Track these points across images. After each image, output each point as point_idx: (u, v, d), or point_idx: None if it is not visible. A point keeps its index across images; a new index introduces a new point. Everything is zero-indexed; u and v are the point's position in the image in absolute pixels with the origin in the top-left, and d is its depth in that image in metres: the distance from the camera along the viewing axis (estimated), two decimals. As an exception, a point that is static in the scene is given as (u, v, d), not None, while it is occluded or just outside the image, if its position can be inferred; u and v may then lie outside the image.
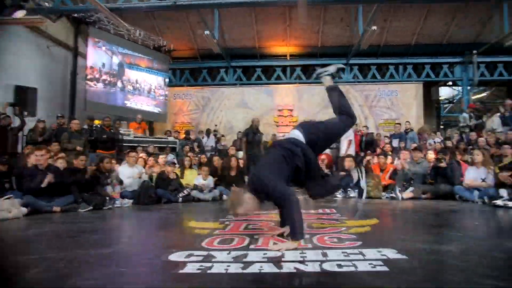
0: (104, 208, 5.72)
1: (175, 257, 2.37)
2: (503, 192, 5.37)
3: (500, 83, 16.57)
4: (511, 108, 10.23)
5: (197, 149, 10.62)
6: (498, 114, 10.59)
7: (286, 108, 14.01)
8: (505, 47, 11.85)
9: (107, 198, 5.98)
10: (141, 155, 8.12)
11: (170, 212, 5.59)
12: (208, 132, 12.16)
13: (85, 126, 9.16)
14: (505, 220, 4.32)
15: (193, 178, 7.59)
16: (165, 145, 10.29)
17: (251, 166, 8.73)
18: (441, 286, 1.80)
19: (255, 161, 8.83)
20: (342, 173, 7.66)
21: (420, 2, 11.75)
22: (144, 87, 12.92)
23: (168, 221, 4.76)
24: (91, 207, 5.49)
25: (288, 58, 15.07)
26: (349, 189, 7.27)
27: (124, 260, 2.48)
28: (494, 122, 10.48)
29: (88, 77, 11.01)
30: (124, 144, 9.57)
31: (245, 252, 2.47)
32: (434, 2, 11.80)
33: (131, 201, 6.52)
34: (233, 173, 7.75)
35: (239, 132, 11.65)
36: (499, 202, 5.21)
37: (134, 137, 10.24)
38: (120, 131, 9.84)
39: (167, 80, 13.88)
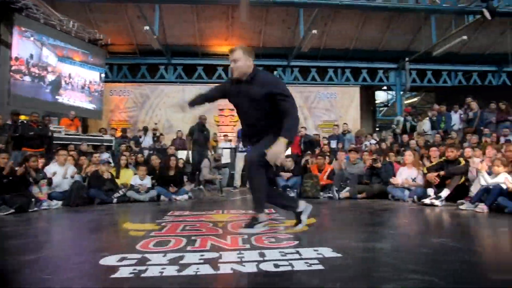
0: (29, 210, 5.27)
1: (107, 261, 2.22)
2: (430, 191, 5.75)
3: (429, 89, 17.81)
4: (438, 113, 11.05)
5: (134, 148, 10.24)
6: (428, 117, 11.38)
7: (227, 107, 13.86)
8: (433, 56, 12.82)
9: (33, 199, 5.52)
10: (71, 153, 7.65)
11: (103, 213, 5.28)
12: (146, 130, 11.73)
13: (9, 122, 8.43)
14: (431, 217, 4.61)
15: (130, 178, 7.30)
16: (100, 143, 9.80)
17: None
18: (373, 282, 1.85)
19: (204, 159, 8.66)
20: (288, 174, 7.70)
21: (357, 9, 12.27)
22: (78, 82, 12.16)
23: (101, 223, 4.47)
24: (13, 210, 5.02)
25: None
26: (288, 189, 7.37)
27: (50, 266, 2.23)
28: (424, 125, 11.24)
29: (13, 68, 10.11)
30: (54, 142, 8.94)
31: (181, 254, 2.38)
32: (370, 10, 12.38)
33: (60, 202, 6.10)
34: (172, 173, 7.52)
35: (179, 131, 11.38)
36: (426, 200, 5.57)
37: (66, 134, 9.57)
38: (50, 128, 9.18)
39: (103, 75, 13.17)
